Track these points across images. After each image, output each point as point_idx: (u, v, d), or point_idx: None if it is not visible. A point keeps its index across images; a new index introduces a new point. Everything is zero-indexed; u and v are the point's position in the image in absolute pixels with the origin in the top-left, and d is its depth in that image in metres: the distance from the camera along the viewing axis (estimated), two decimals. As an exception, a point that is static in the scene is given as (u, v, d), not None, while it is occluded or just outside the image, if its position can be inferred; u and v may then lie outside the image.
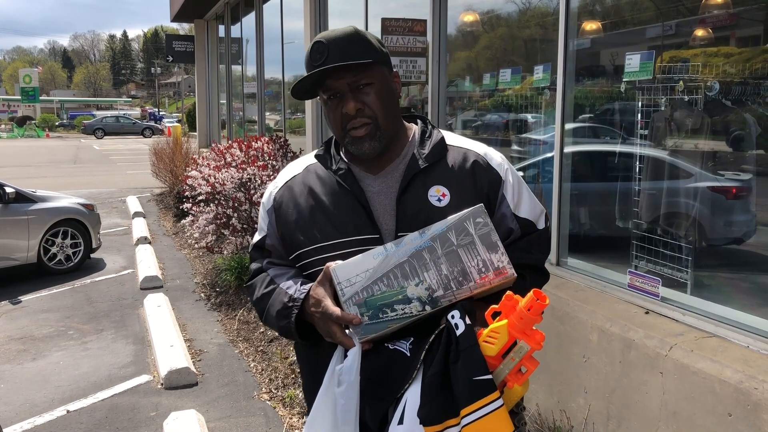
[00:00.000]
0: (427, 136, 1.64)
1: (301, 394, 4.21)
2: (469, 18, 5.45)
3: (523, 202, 1.64)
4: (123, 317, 6.21)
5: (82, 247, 8.07)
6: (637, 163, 3.76)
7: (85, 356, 5.22)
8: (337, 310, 1.45)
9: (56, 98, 71.14)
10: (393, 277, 1.43)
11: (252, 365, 4.93)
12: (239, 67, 13.23)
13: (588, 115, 4.31)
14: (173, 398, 4.42)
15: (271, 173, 6.99)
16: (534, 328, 1.35)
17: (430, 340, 1.41)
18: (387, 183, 1.59)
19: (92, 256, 8.37)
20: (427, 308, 1.42)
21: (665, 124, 3.70)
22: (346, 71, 1.52)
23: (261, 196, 6.77)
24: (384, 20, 6.24)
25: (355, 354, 1.44)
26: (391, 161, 1.61)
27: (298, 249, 1.60)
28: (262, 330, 5.47)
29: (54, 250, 7.86)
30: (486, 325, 1.39)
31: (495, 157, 1.65)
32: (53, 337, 5.67)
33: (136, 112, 65.49)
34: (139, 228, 10.33)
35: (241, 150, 7.37)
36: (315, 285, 1.50)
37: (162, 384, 4.62)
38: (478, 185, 1.59)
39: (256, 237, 1.73)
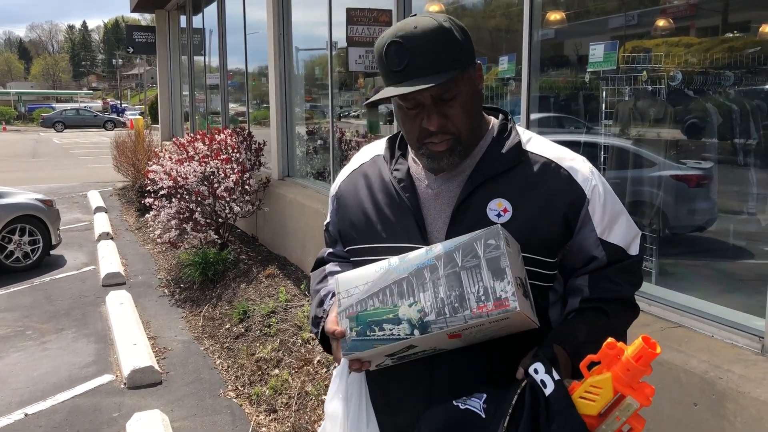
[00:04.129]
0: (504, 136, 1.44)
1: (267, 391, 4.15)
2: (434, 8, 5.40)
3: (615, 226, 1.41)
4: (84, 315, 6.06)
5: (40, 244, 7.85)
6: (602, 152, 3.77)
7: (45, 357, 5.08)
8: (329, 322, 1.37)
9: (13, 90, 69.23)
10: (389, 293, 1.31)
11: (218, 362, 4.85)
12: (202, 59, 13.00)
13: (553, 105, 4.31)
14: (137, 398, 4.32)
15: (235, 166, 6.89)
16: (641, 380, 1.16)
17: (513, 402, 1.21)
18: (448, 186, 1.42)
19: (52, 253, 8.16)
20: (416, 333, 1.27)
21: (629, 113, 3.71)
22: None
23: (225, 189, 6.67)
24: (349, 10, 6.16)
25: (341, 371, 1.36)
26: None
27: (351, 244, 1.53)
28: (227, 326, 5.38)
29: (11, 247, 7.64)
30: (574, 376, 1.20)
31: (582, 169, 1.41)
32: (10, 338, 5.50)
33: (98, 104, 64.21)
34: (101, 223, 10.11)
35: (203, 143, 7.25)
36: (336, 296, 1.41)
37: (125, 383, 4.51)
38: (554, 203, 1.37)
39: (326, 219, 1.67)
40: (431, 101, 1.34)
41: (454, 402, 1.27)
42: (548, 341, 1.33)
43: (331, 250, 1.65)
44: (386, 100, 1.35)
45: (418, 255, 1.31)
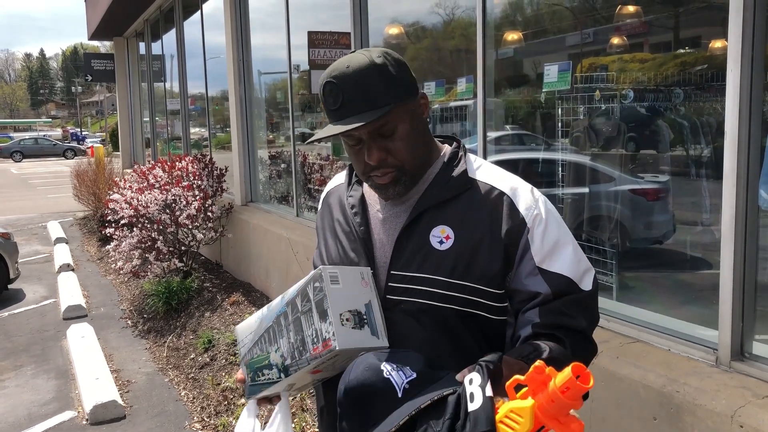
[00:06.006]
0: (454, 164, 1.44)
1: (234, 421, 4.09)
2: (394, 30, 5.45)
3: (558, 254, 1.35)
4: (44, 351, 5.91)
5: (-2, 279, 7.65)
6: (560, 169, 3.82)
7: (2, 395, 4.93)
8: (239, 371, 1.52)
9: (-31, 121, 67.88)
10: (264, 341, 1.42)
11: (183, 394, 4.76)
12: (162, 85, 12.92)
13: (511, 124, 4.37)
14: (99, 434, 4.22)
15: (197, 193, 6.83)
16: (571, 413, 1.03)
17: (431, 400, 1.12)
18: (396, 212, 1.44)
19: (10, 287, 7.94)
20: (282, 376, 1.37)
21: (585, 131, 3.78)
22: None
23: (187, 217, 6.61)
24: (310, 33, 6.20)
25: (247, 413, 1.49)
26: None
27: None
28: (192, 356, 5.30)
29: (-33, 283, 7.44)
30: (507, 396, 1.07)
31: (525, 197, 1.38)
32: (-33, 377, 5.34)
33: (57, 132, 63.17)
34: (62, 254, 9.90)
35: (164, 171, 7.18)
36: None
37: (87, 419, 4.40)
38: (495, 231, 1.35)
39: None
40: (369, 137, 1.36)
41: (383, 365, 1.20)
42: (498, 354, 1.23)
43: None
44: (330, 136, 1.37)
45: (277, 303, 1.40)
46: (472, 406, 1.06)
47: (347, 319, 1.28)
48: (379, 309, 1.36)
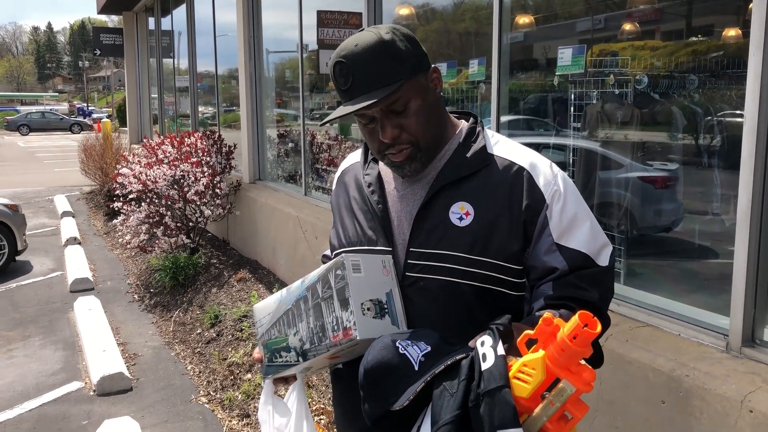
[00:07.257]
0: (472, 140, 1.43)
1: (240, 396, 4.13)
2: (404, 11, 5.42)
3: (576, 231, 1.35)
4: (51, 322, 5.95)
5: (6, 250, 7.69)
6: (571, 154, 3.81)
7: (10, 365, 4.98)
8: (256, 351, 1.54)
9: (-24, 93, 67.86)
10: (282, 323, 1.43)
11: (189, 368, 4.80)
12: (171, 61, 12.87)
13: (523, 108, 4.36)
14: (106, 405, 4.26)
15: (206, 169, 6.84)
16: (582, 362, 1.04)
17: (443, 366, 1.14)
18: (414, 189, 1.43)
19: (18, 258, 7.99)
20: (300, 360, 1.39)
21: (597, 116, 3.77)
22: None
23: (195, 193, 6.62)
24: (320, 12, 6.16)
25: (266, 391, 1.52)
26: None
27: (334, 250, 1.56)
28: (199, 331, 5.33)
29: (-25, 253, 7.48)
30: (520, 355, 1.08)
31: (545, 172, 1.38)
32: (-24, 346, 5.39)
33: (64, 107, 63.12)
34: (68, 228, 9.94)
35: (173, 146, 7.18)
36: None
37: (94, 390, 4.45)
38: (514, 207, 1.35)
39: None
40: (382, 115, 1.35)
41: (398, 342, 1.22)
42: (508, 316, 1.26)
43: (327, 253, 1.70)
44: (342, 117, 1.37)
45: (297, 286, 1.40)
46: (485, 365, 1.08)
47: (368, 309, 1.29)
48: (400, 298, 1.36)
